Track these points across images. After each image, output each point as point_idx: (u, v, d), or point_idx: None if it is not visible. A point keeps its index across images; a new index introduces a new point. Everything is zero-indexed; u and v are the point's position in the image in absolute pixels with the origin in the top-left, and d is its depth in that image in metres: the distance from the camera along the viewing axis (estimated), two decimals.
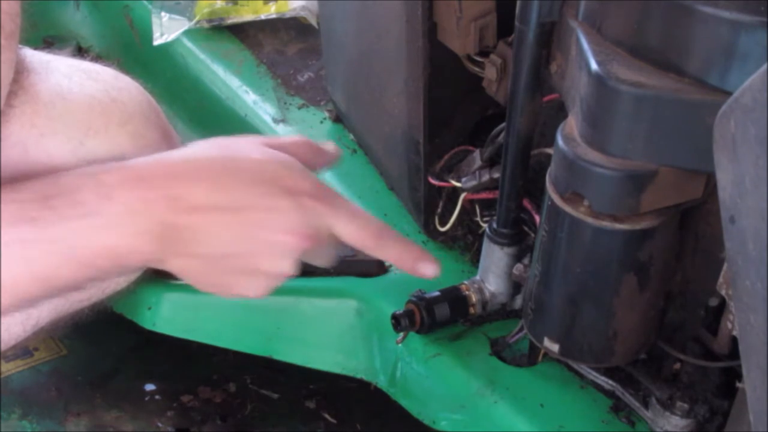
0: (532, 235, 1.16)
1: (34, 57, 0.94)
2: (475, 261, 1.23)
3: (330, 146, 1.02)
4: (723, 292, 0.93)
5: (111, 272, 0.86)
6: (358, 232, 0.95)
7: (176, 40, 1.67)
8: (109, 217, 0.81)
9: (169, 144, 0.98)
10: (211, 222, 0.85)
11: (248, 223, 0.86)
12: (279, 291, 1.31)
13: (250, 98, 1.59)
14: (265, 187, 0.88)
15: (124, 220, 0.82)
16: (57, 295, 0.85)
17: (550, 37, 0.99)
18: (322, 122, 1.54)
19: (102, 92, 0.93)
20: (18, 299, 0.81)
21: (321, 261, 0.98)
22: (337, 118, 1.53)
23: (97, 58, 1.82)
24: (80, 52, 1.86)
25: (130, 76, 1.01)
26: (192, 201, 0.84)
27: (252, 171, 0.88)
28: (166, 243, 0.84)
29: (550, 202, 0.96)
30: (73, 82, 0.93)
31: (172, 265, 0.87)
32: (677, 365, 1.08)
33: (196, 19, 1.67)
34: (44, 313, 1.06)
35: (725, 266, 0.91)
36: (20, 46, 0.91)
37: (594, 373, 1.13)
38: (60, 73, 0.93)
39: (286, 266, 0.90)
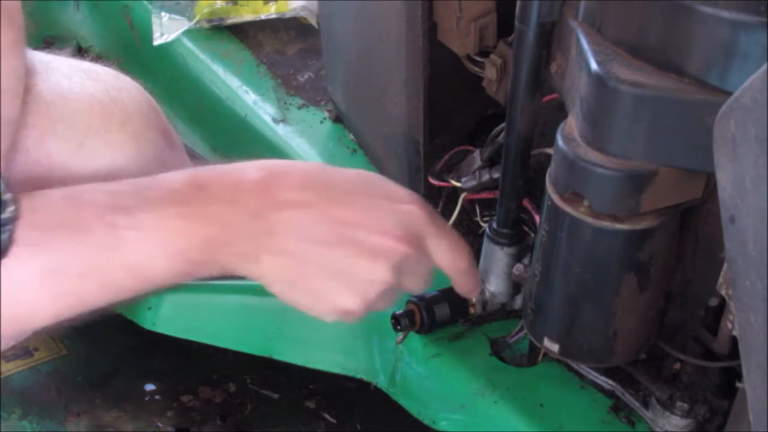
0: (532, 235, 1.16)
1: (35, 57, 0.94)
2: (476, 261, 1.23)
3: None
4: (723, 292, 0.93)
5: (204, 266, 0.83)
6: (453, 249, 0.92)
7: (176, 40, 1.67)
8: (202, 209, 0.81)
9: (169, 144, 0.98)
10: (304, 216, 0.82)
11: (343, 220, 0.83)
12: None
13: (250, 98, 1.59)
14: (363, 189, 0.84)
15: (218, 211, 0.81)
16: (149, 290, 0.83)
17: (550, 37, 0.99)
18: (322, 122, 1.54)
19: (102, 92, 0.93)
20: (115, 291, 0.81)
21: (415, 281, 0.91)
22: (337, 118, 1.53)
23: (97, 58, 1.82)
24: (80, 52, 1.86)
25: (130, 76, 1.01)
26: (284, 196, 0.82)
27: (346, 175, 0.86)
28: (259, 236, 0.82)
29: (550, 202, 0.96)
30: (74, 82, 0.93)
31: (263, 265, 0.83)
32: (677, 365, 1.08)
33: (196, 19, 1.67)
34: None
35: (725, 266, 0.91)
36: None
37: (594, 373, 1.13)
38: (60, 73, 0.93)
39: (383, 271, 0.85)
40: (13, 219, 0.75)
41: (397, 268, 0.86)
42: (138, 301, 0.93)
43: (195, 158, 1.61)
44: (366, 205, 0.85)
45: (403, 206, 0.87)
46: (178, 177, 0.82)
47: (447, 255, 0.92)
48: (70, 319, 0.87)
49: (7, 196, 0.75)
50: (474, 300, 1.19)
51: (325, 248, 0.83)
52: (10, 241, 0.74)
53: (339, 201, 0.84)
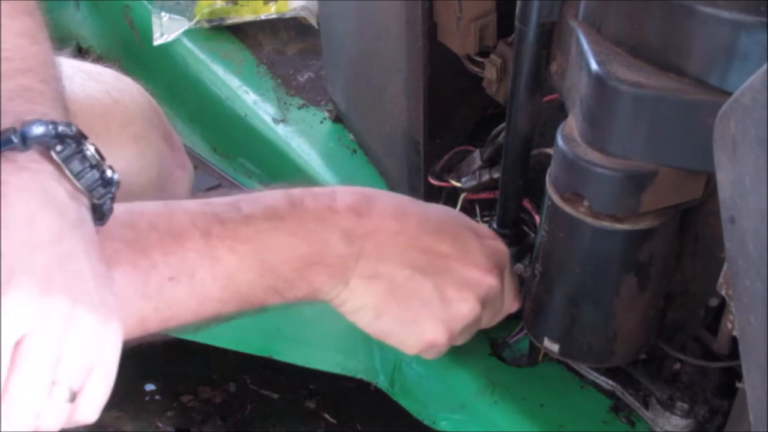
0: (532, 235, 1.16)
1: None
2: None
3: None
4: (723, 292, 0.93)
5: (293, 284, 0.82)
6: (516, 290, 0.93)
7: (176, 40, 1.67)
8: (297, 226, 0.80)
9: (170, 145, 0.98)
10: (397, 242, 0.82)
11: (435, 249, 0.82)
12: None
13: (250, 98, 1.59)
14: (451, 222, 0.85)
15: (312, 229, 0.80)
16: (238, 306, 0.81)
17: (550, 37, 0.99)
18: (322, 122, 1.54)
19: (103, 93, 0.93)
20: (204, 301, 0.79)
21: (492, 315, 0.92)
22: (337, 118, 1.53)
23: (98, 59, 1.82)
24: (80, 52, 1.86)
25: (130, 76, 1.01)
26: (377, 221, 0.81)
27: (434, 208, 0.87)
28: (350, 258, 0.81)
29: (550, 202, 0.96)
30: (75, 84, 0.93)
31: (352, 288, 0.82)
32: (677, 365, 1.08)
33: (196, 19, 1.67)
34: None
35: (725, 266, 0.91)
36: None
37: (594, 373, 1.13)
38: (62, 73, 0.93)
39: (472, 302, 0.85)
40: (117, 182, 0.73)
41: (483, 300, 0.86)
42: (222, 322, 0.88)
43: (192, 158, 1.61)
44: (456, 237, 0.84)
45: (488, 241, 0.87)
46: (275, 194, 0.81)
47: (514, 293, 0.95)
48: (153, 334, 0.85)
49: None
50: None
51: (417, 275, 0.83)
52: (111, 205, 0.73)
53: (430, 231, 0.83)
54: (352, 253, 0.80)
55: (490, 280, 0.85)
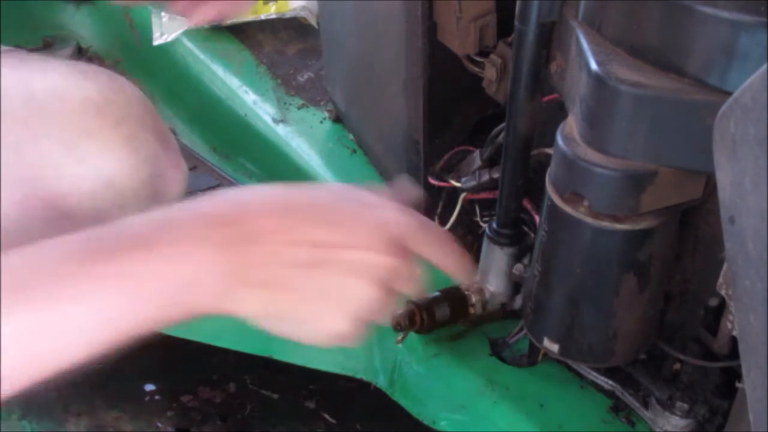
0: (532, 235, 1.16)
1: (31, 58, 0.94)
2: (475, 261, 1.23)
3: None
4: (723, 292, 0.93)
5: (179, 310, 0.76)
6: (440, 245, 0.87)
7: (176, 40, 1.67)
8: (168, 250, 0.75)
9: (164, 146, 0.98)
10: (279, 242, 0.78)
11: (320, 240, 0.76)
12: None
13: (250, 98, 1.59)
14: (335, 205, 0.81)
15: (186, 251, 0.75)
16: (122, 341, 0.79)
17: (550, 37, 0.99)
18: (322, 122, 1.54)
19: (97, 93, 0.93)
20: (84, 345, 0.77)
21: (409, 286, 0.87)
22: (337, 118, 1.53)
23: (97, 58, 1.82)
24: (80, 52, 1.86)
25: (129, 76, 1.01)
26: (255, 225, 0.75)
27: (315, 193, 0.82)
28: (234, 271, 0.76)
29: (550, 202, 0.96)
30: (69, 83, 0.93)
31: (243, 301, 0.78)
32: (677, 365, 1.08)
33: None
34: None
35: (725, 266, 0.91)
36: (18, 47, 0.91)
37: (594, 373, 1.14)
38: (56, 73, 0.93)
39: (369, 288, 0.81)
40: None
41: (384, 280, 0.84)
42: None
43: (192, 158, 1.61)
44: (342, 222, 0.80)
45: (381, 214, 0.83)
46: (137, 221, 0.76)
47: (435, 252, 0.88)
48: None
49: None
50: (474, 300, 1.19)
51: (306, 272, 0.80)
52: None
53: (313, 222, 0.79)
54: (235, 265, 0.78)
55: (385, 260, 0.82)
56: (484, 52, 1.14)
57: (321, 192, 0.83)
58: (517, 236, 1.16)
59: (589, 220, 0.93)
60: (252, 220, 0.77)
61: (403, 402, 1.22)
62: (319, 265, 0.80)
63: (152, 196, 0.95)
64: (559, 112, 1.02)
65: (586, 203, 0.93)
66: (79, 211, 0.90)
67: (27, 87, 0.91)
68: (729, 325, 0.97)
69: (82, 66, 0.97)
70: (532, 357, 1.18)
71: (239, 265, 0.76)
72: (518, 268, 1.15)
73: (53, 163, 0.90)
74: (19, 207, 0.90)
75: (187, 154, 1.33)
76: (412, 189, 0.89)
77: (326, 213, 0.80)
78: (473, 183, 1.22)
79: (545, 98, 1.06)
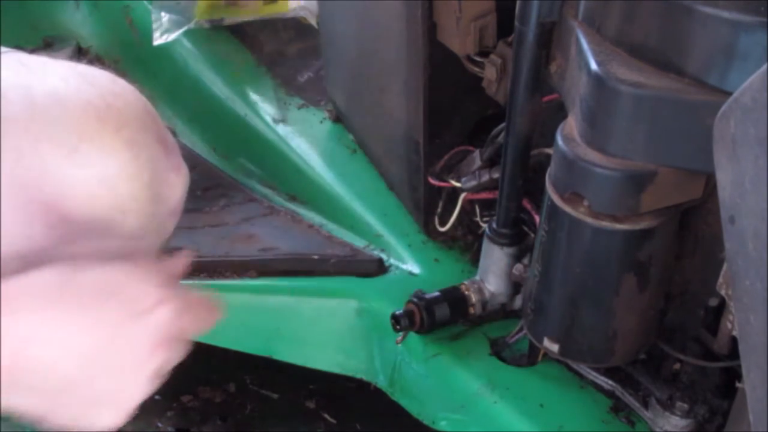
0: (532, 235, 1.16)
1: (31, 59, 0.93)
2: (475, 261, 1.23)
3: None
4: (723, 292, 0.93)
5: None
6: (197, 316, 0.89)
7: (176, 40, 1.67)
8: None
9: (165, 150, 0.98)
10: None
11: (89, 354, 0.79)
12: (279, 291, 1.32)
13: (250, 98, 1.59)
14: (102, 309, 0.79)
15: None
16: None
17: (550, 37, 0.99)
18: (322, 122, 1.54)
19: (98, 97, 0.93)
20: None
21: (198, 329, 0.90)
22: (337, 118, 1.53)
23: (97, 58, 1.82)
24: (80, 52, 1.85)
25: (129, 76, 1.01)
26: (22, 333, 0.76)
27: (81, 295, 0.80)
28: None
29: (550, 202, 0.96)
30: (70, 86, 0.92)
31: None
32: (677, 365, 1.08)
33: (196, 19, 1.67)
34: None
35: (725, 266, 0.91)
36: (17, 48, 0.91)
37: (594, 373, 1.13)
38: (56, 76, 0.93)
39: (147, 382, 0.83)
40: None
41: (162, 367, 0.84)
42: None
43: (192, 158, 1.61)
44: (108, 333, 0.79)
45: (149, 318, 0.82)
46: None
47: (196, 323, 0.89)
48: None
49: None
50: (474, 300, 1.19)
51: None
52: None
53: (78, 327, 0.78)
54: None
55: (159, 357, 0.84)
56: (484, 52, 1.14)
57: (85, 293, 0.80)
58: (517, 236, 1.16)
59: (589, 220, 0.93)
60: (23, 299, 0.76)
61: (403, 402, 1.22)
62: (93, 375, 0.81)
63: (153, 200, 0.95)
64: (559, 112, 1.02)
65: (586, 203, 0.93)
66: (80, 216, 0.90)
67: (27, 91, 0.91)
68: (729, 325, 0.97)
69: (83, 68, 0.97)
70: (532, 357, 1.18)
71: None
72: (518, 268, 1.15)
73: (54, 167, 0.90)
74: (20, 212, 0.90)
75: (187, 154, 1.32)
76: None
77: (90, 320, 0.79)
78: (473, 183, 1.22)
79: (545, 98, 1.06)
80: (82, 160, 0.91)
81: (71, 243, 0.80)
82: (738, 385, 0.94)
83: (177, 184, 0.98)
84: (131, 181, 0.92)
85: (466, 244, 1.32)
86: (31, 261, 0.83)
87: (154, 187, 0.94)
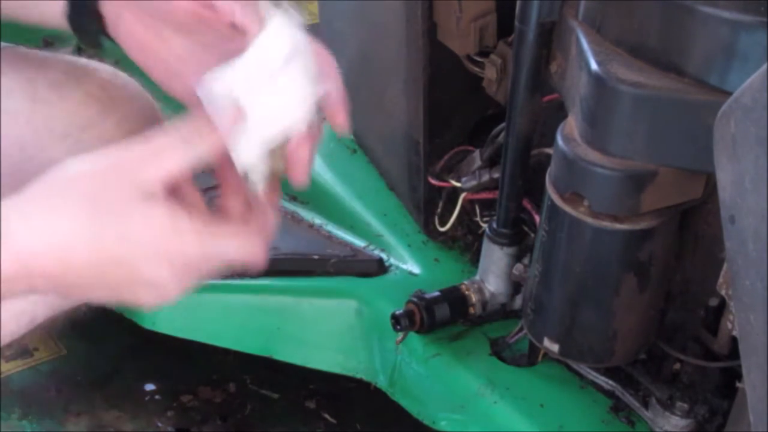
0: (532, 235, 1.16)
1: (32, 53, 0.94)
2: (475, 261, 1.23)
3: None
4: (723, 292, 0.93)
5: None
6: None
7: None
8: None
9: None
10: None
11: (91, 295, 0.76)
12: (279, 291, 1.32)
13: None
14: (122, 264, 0.75)
15: None
16: None
17: (550, 37, 0.99)
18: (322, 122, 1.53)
19: (100, 90, 0.93)
20: None
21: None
22: None
23: (97, 58, 1.82)
24: (80, 51, 1.85)
25: (129, 74, 1.01)
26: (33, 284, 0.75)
27: (113, 247, 0.74)
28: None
29: (550, 202, 0.96)
30: (71, 80, 0.93)
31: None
32: (677, 365, 1.08)
33: None
34: (39, 310, 1.05)
35: (725, 266, 0.91)
36: (20, 44, 0.91)
37: (594, 373, 1.13)
38: (59, 70, 0.93)
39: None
40: None
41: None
42: None
43: None
44: (117, 284, 0.75)
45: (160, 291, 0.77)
46: None
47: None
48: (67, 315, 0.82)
49: None
50: (474, 300, 1.19)
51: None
52: None
53: (88, 281, 0.75)
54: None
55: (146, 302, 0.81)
56: (484, 52, 1.14)
57: (114, 245, 0.75)
58: (517, 236, 1.16)
59: (589, 220, 0.93)
60: (36, 277, 0.73)
61: (403, 402, 1.22)
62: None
63: None
64: (559, 112, 1.02)
65: (586, 203, 0.93)
66: None
67: (29, 84, 0.91)
68: (729, 325, 0.97)
69: (84, 62, 0.97)
70: (532, 357, 1.18)
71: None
72: (518, 268, 1.15)
73: (56, 159, 0.90)
74: None
75: None
76: None
77: (105, 274, 0.75)
78: (473, 183, 1.22)
79: (545, 98, 1.06)
80: (85, 152, 0.91)
81: None
82: (738, 385, 0.94)
83: None
84: None
85: (466, 244, 1.32)
86: None
87: None
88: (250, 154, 0.76)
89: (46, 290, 0.76)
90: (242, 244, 0.76)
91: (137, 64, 0.86)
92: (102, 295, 0.77)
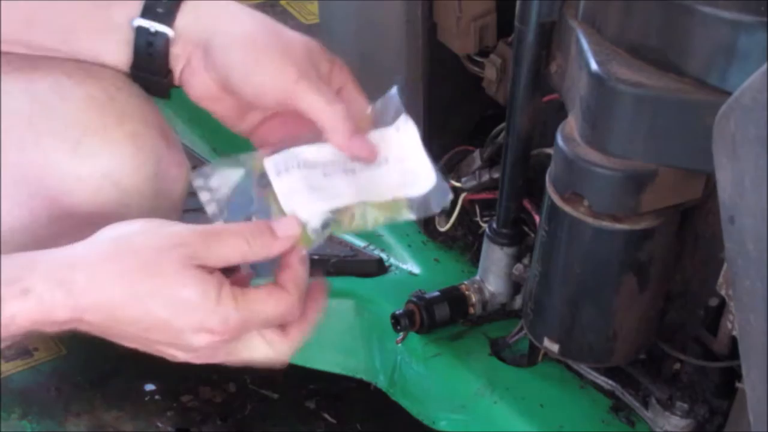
0: (532, 235, 1.16)
1: (33, 55, 0.93)
2: (475, 261, 1.23)
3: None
4: (723, 292, 0.93)
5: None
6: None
7: None
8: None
9: (167, 143, 0.98)
10: (105, 328, 0.82)
11: (146, 336, 0.81)
12: None
13: None
14: (176, 306, 0.79)
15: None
16: None
17: (550, 37, 0.99)
18: None
19: (100, 91, 0.93)
20: None
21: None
22: None
23: None
24: None
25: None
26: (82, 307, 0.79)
27: (171, 287, 0.79)
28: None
29: (550, 202, 0.96)
30: (72, 81, 0.93)
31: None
32: (677, 365, 1.08)
33: None
34: None
35: (725, 266, 0.91)
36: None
37: (594, 373, 1.13)
38: (59, 71, 0.93)
39: (185, 357, 0.83)
40: None
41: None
42: None
43: (192, 158, 1.61)
44: (168, 326, 0.80)
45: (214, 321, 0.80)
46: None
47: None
48: None
49: None
50: (474, 300, 1.19)
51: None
52: None
53: (132, 319, 0.80)
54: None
55: (197, 358, 0.83)
56: (484, 52, 1.14)
57: (173, 284, 0.80)
58: (517, 236, 1.16)
59: (589, 220, 0.93)
60: (82, 300, 0.79)
61: (403, 402, 1.22)
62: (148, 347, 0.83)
63: (155, 193, 0.95)
64: (559, 112, 1.02)
65: (586, 203, 0.93)
66: (83, 209, 0.90)
67: (30, 85, 0.91)
68: (729, 325, 0.97)
69: (84, 63, 0.97)
70: (532, 357, 1.18)
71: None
72: (518, 268, 1.15)
73: (57, 161, 0.90)
74: (24, 206, 0.90)
75: (187, 154, 1.32)
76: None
77: (148, 315, 0.79)
78: (473, 183, 1.22)
79: (545, 98, 1.06)
80: (85, 154, 0.91)
81: (73, 236, 0.81)
82: (738, 385, 0.94)
83: (179, 178, 0.98)
84: (134, 175, 0.92)
85: (466, 244, 1.32)
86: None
87: (156, 180, 0.95)
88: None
89: (88, 331, 0.83)
90: (278, 303, 0.86)
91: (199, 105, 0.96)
92: (141, 346, 0.83)
